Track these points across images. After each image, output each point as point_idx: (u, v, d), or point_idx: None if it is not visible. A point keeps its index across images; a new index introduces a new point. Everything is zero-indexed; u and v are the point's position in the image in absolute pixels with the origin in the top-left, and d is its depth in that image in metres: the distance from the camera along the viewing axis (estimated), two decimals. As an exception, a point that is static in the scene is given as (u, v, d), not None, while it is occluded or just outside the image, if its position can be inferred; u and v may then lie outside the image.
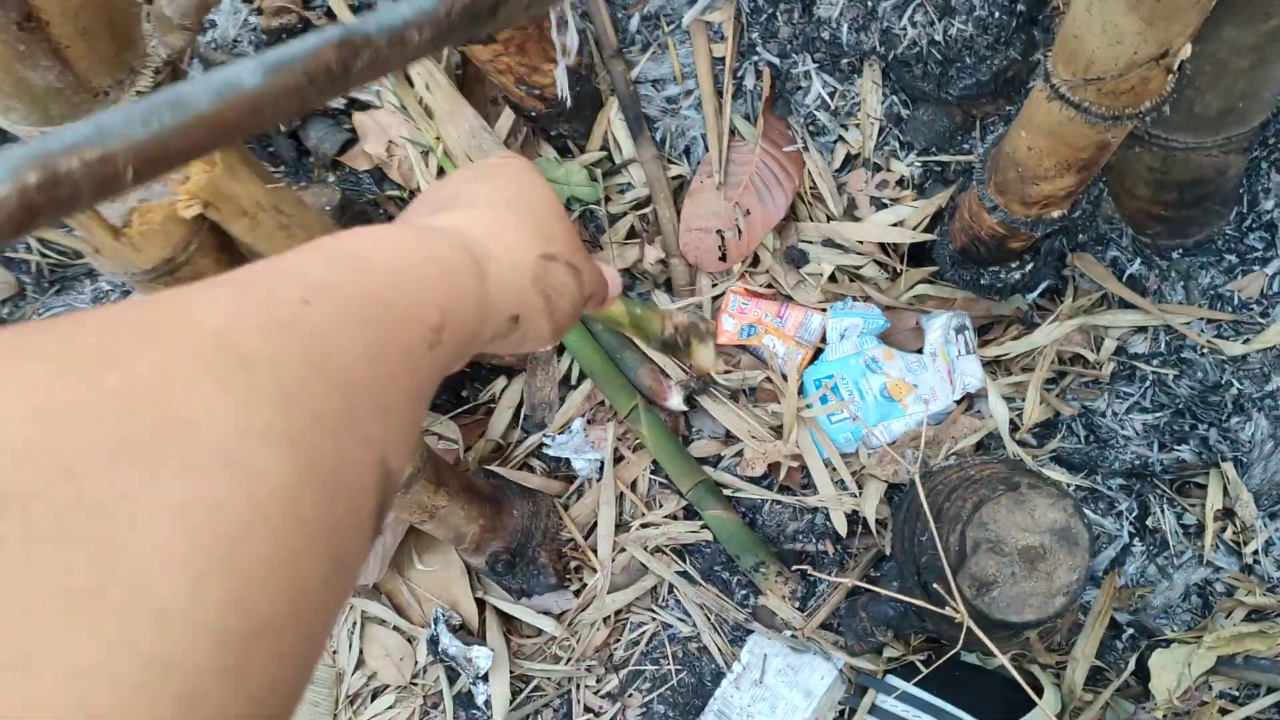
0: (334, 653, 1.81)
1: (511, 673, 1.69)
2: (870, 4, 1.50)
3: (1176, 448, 1.47)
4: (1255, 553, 1.42)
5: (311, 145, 1.74)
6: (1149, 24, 0.88)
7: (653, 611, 1.67)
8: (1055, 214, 1.24)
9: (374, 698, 1.74)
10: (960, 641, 1.20)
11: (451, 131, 1.65)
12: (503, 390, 1.76)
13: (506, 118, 1.67)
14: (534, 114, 1.63)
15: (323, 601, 0.26)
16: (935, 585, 1.23)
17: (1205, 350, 1.47)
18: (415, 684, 1.76)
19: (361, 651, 1.78)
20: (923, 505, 1.28)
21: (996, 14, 1.43)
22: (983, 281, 1.46)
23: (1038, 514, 1.24)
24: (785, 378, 1.59)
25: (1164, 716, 1.37)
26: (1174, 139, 1.31)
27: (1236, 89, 1.21)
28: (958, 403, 1.53)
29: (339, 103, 1.74)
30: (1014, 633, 1.31)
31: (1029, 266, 1.44)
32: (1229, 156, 1.34)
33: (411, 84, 1.67)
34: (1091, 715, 1.42)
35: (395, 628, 1.77)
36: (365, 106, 1.74)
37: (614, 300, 0.61)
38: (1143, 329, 1.51)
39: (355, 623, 1.79)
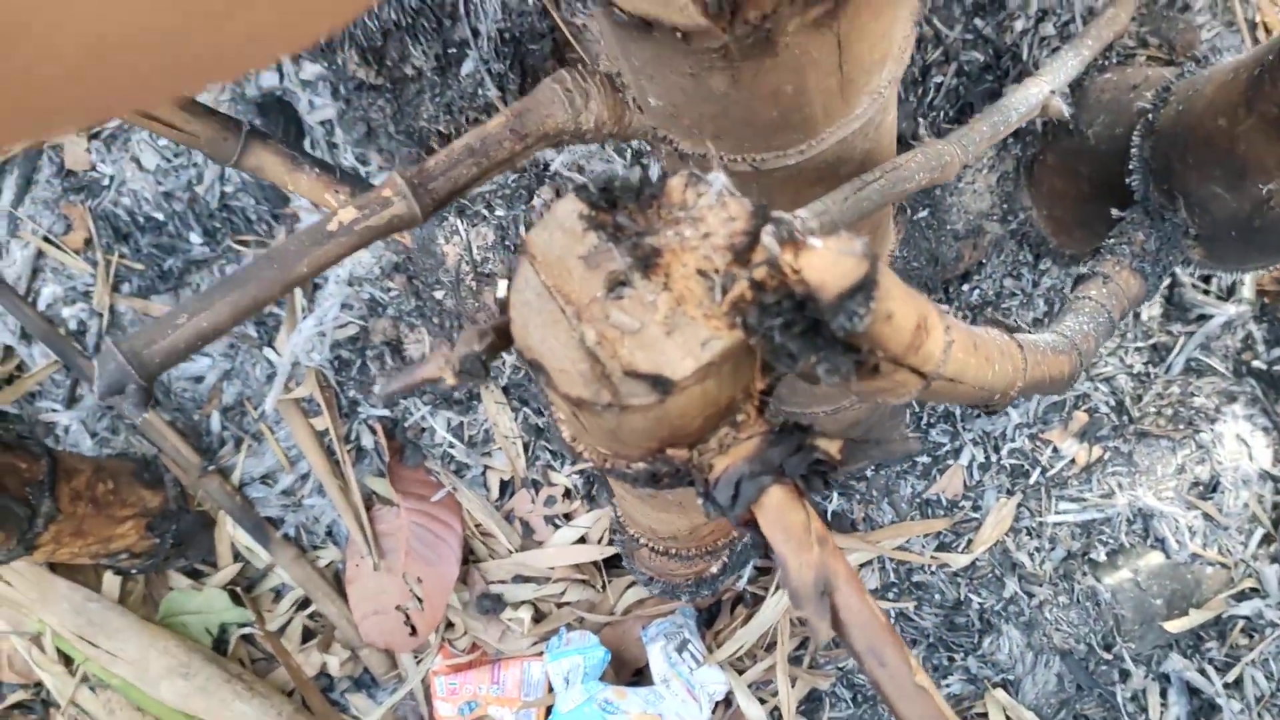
0: None
1: None
2: (459, 335, 1.32)
3: (944, 684, 1.35)
4: (1057, 771, 1.31)
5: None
6: (688, 513, 0.73)
7: None
8: (714, 569, 1.09)
9: None
10: None
11: (53, 616, 1.39)
12: None
13: (112, 579, 1.41)
14: (135, 570, 1.38)
15: None
16: None
17: (933, 568, 1.36)
18: None
19: None
20: None
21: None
22: (683, 597, 1.30)
23: None
24: (526, 743, 1.40)
25: None
26: (811, 410, 1.18)
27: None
28: (713, 711, 1.37)
29: (-87, 617, 1.45)
30: None
31: (724, 562, 1.29)
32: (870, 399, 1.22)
33: (-10, 569, 1.40)
34: None
35: None
36: (-52, 607, 1.45)
37: None
38: (867, 564, 1.38)
39: None
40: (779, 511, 0.55)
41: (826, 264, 0.43)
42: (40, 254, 1.39)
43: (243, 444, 1.42)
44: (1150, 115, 1.03)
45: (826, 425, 1.23)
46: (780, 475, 0.55)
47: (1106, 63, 1.22)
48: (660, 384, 0.47)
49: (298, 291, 1.37)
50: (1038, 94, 0.97)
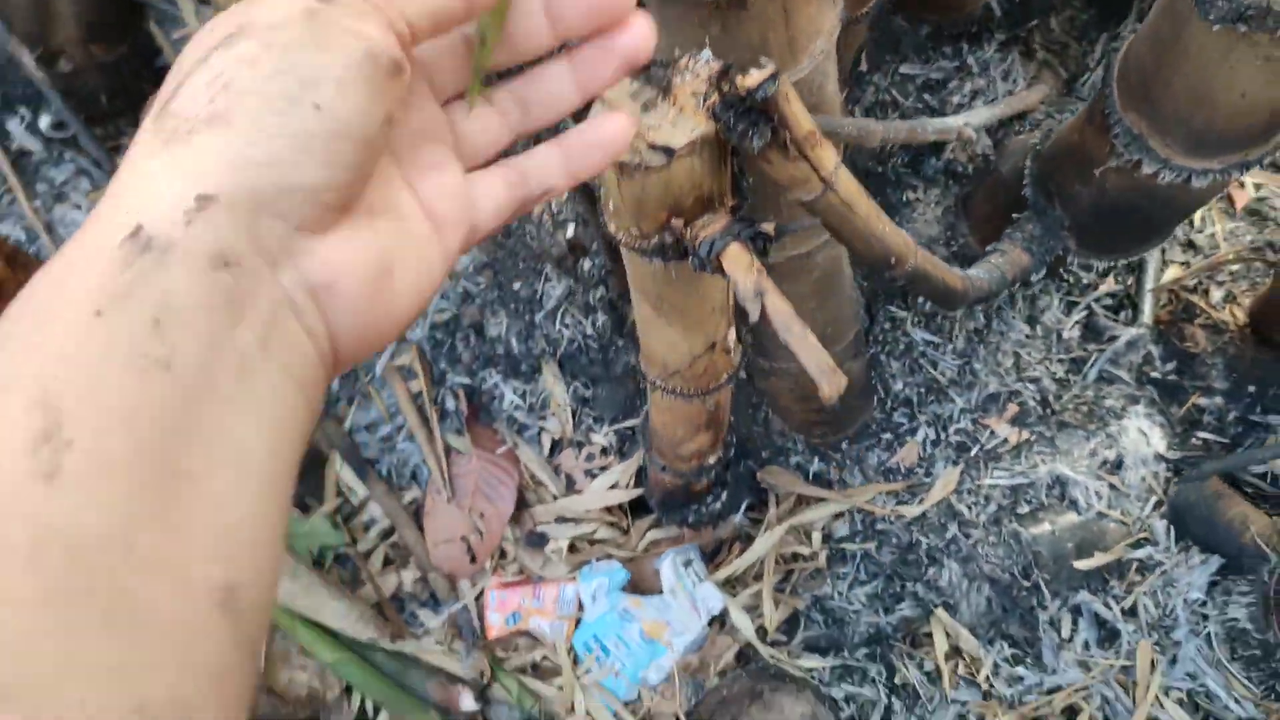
0: None
1: None
2: (527, 318, 1.73)
3: (897, 607, 1.67)
4: (987, 678, 1.61)
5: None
6: (688, 330, 1.12)
7: None
8: (711, 460, 1.45)
9: None
10: None
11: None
12: (308, 747, 1.81)
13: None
14: (265, 487, 1.76)
15: None
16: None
17: (892, 519, 1.70)
18: None
19: None
20: (689, 741, 1.41)
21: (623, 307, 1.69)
22: (691, 520, 1.65)
23: (786, 709, 1.40)
24: (558, 650, 1.73)
25: None
26: (791, 365, 1.56)
27: (818, 320, 1.48)
28: (709, 625, 1.70)
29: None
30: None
31: (725, 495, 1.65)
32: (843, 365, 1.60)
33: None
34: None
35: None
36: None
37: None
38: (840, 515, 1.73)
39: None
40: (735, 256, 0.93)
41: (754, 78, 0.84)
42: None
43: (354, 401, 1.82)
44: (1038, 146, 1.44)
45: (806, 380, 1.60)
46: (738, 238, 0.94)
47: (1021, 129, 1.65)
48: (667, 151, 0.87)
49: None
50: (954, 123, 1.40)
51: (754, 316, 0.94)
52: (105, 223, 0.32)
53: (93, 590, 0.26)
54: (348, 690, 1.79)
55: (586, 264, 1.61)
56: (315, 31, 0.34)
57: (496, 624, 1.75)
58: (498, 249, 1.73)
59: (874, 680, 1.66)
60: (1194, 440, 1.70)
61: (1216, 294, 1.78)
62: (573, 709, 1.73)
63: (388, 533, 1.83)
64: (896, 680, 1.66)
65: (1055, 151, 1.39)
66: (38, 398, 0.27)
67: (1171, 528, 1.63)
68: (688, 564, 1.69)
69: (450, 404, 1.81)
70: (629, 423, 1.76)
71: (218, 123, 0.33)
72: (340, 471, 1.81)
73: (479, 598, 1.79)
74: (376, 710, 1.79)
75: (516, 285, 1.73)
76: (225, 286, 0.31)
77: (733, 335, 1.19)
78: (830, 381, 0.90)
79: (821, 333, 1.51)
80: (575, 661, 1.73)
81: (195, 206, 0.31)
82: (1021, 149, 1.57)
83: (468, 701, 1.74)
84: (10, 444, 0.26)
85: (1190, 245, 1.84)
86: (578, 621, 1.75)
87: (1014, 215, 1.46)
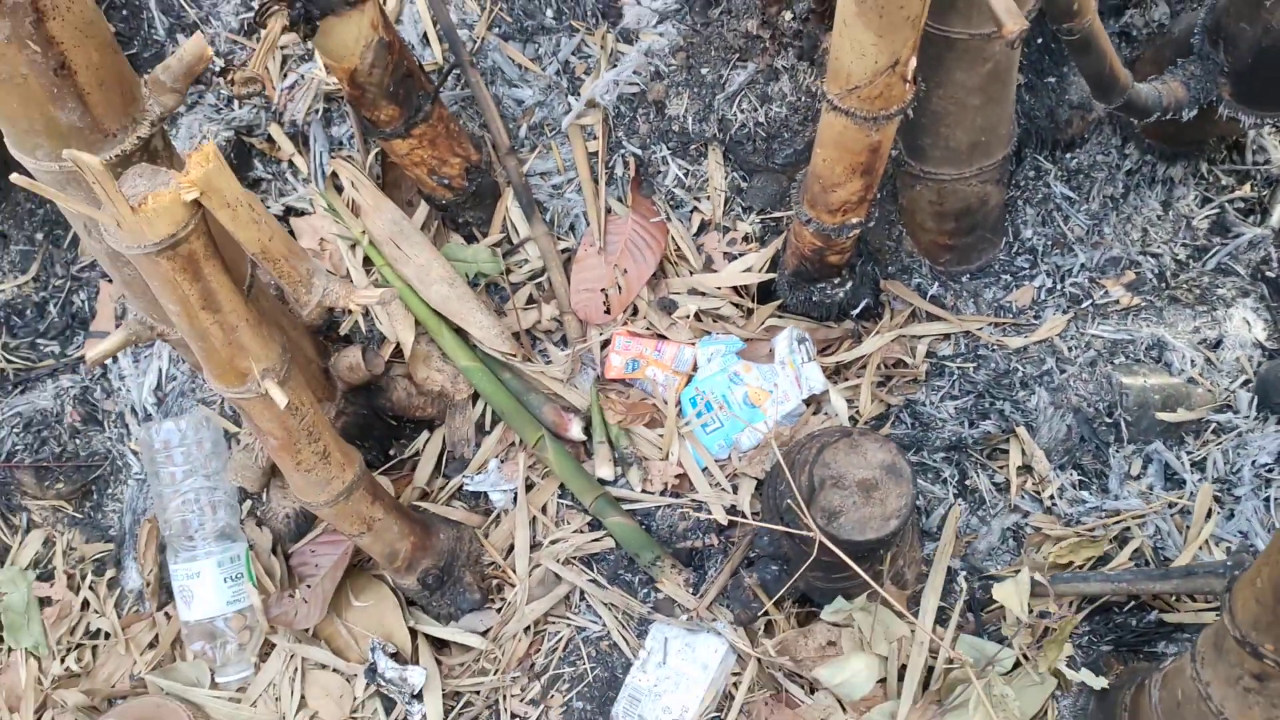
0: (276, 699, 1.96)
1: (443, 691, 1.88)
2: (707, 100, 1.91)
3: (981, 422, 1.81)
4: (1051, 497, 1.75)
5: (255, 243, 2.05)
6: (880, 36, 1.28)
7: (567, 618, 1.89)
8: (854, 220, 1.61)
9: (315, 735, 1.90)
10: (813, 555, 1.48)
11: (376, 223, 1.99)
12: (426, 442, 2.03)
13: (422, 210, 2.01)
14: (444, 203, 1.98)
15: None
16: (792, 507, 1.51)
17: (995, 347, 1.84)
18: (354, 718, 1.92)
19: (303, 696, 1.94)
20: (778, 458, 1.58)
21: (802, 98, 1.86)
22: (814, 299, 1.82)
23: (869, 455, 1.55)
24: (666, 402, 1.91)
25: (1018, 635, 1.64)
26: (941, 173, 1.72)
27: (976, 124, 1.63)
28: (806, 404, 1.86)
29: (277, 211, 2.07)
30: (866, 561, 1.59)
31: (849, 285, 1.81)
32: (986, 186, 1.75)
33: (340, 190, 2.02)
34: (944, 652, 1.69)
35: (334, 669, 1.95)
36: (301, 213, 2.07)
37: None
38: (947, 336, 1.88)
39: (296, 669, 1.96)
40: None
41: None
42: (450, -10, 2.06)
43: (536, 149, 2.03)
44: (1214, 3, 1.58)
45: (949, 194, 1.75)
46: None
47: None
48: None
49: (606, 51, 1.99)
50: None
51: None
52: None
53: None
54: (474, 397, 2.00)
55: (788, 15, 1.79)
56: None
57: (617, 365, 1.94)
58: (695, 34, 1.91)
59: (945, 481, 1.81)
60: (1295, 339, 1.80)
61: (1347, 217, 1.88)
62: (667, 456, 1.90)
63: (537, 274, 2.03)
64: (967, 484, 1.81)
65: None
66: None
67: (1255, 398, 1.74)
68: (801, 341, 1.85)
69: (619, 170, 2.00)
70: (775, 214, 1.93)
71: None
72: (510, 208, 2.02)
73: (605, 344, 1.98)
74: (495, 420, 1.99)
75: (705, 70, 1.91)
76: None
77: (913, 64, 1.34)
78: (1013, 18, 1.06)
79: (975, 140, 1.66)
80: (679, 414, 1.91)
81: None
82: (1192, 18, 1.70)
83: (575, 430, 1.93)
84: None
85: (1332, 174, 1.94)
86: (689, 380, 1.93)
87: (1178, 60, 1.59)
